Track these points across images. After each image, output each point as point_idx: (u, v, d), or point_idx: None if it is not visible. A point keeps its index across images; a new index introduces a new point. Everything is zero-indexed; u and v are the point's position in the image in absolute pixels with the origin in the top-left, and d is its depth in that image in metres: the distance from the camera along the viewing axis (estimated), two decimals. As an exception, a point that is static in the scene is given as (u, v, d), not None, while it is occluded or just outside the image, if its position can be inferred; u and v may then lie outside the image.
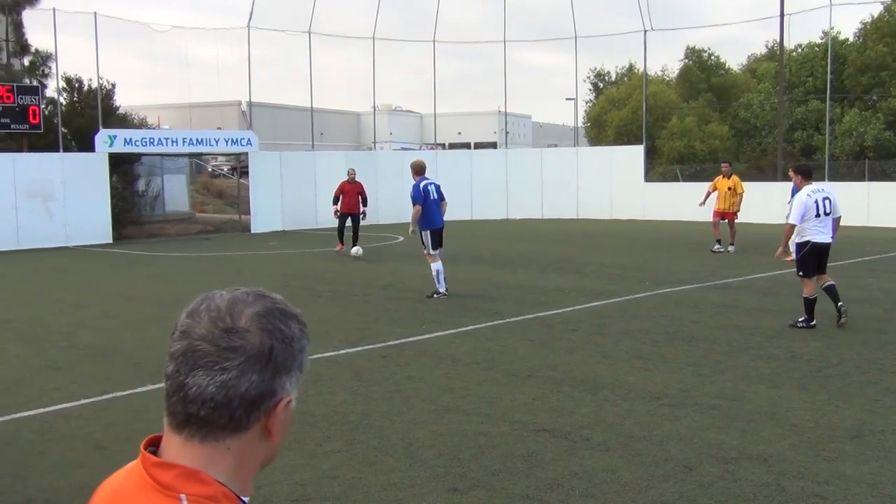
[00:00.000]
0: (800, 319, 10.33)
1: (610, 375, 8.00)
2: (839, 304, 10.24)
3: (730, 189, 20.41)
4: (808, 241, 10.32)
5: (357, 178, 21.09)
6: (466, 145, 63.67)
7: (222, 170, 45.74)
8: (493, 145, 65.04)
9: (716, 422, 6.48)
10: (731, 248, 19.99)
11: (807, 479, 5.27)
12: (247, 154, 30.90)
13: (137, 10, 71.15)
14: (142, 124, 34.58)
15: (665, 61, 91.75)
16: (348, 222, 20.65)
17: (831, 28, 41.36)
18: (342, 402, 7.21)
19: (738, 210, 20.44)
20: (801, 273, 10.46)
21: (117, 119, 30.61)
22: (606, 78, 66.58)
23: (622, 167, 35.30)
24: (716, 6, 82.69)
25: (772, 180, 35.26)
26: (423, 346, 9.63)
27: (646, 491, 5.12)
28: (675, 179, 41.30)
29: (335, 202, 20.69)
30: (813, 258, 10.31)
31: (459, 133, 71.50)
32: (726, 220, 20.40)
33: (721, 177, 20.90)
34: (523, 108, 77.54)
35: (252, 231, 30.30)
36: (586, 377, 7.95)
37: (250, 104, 37.81)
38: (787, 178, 31.34)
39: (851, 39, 51.24)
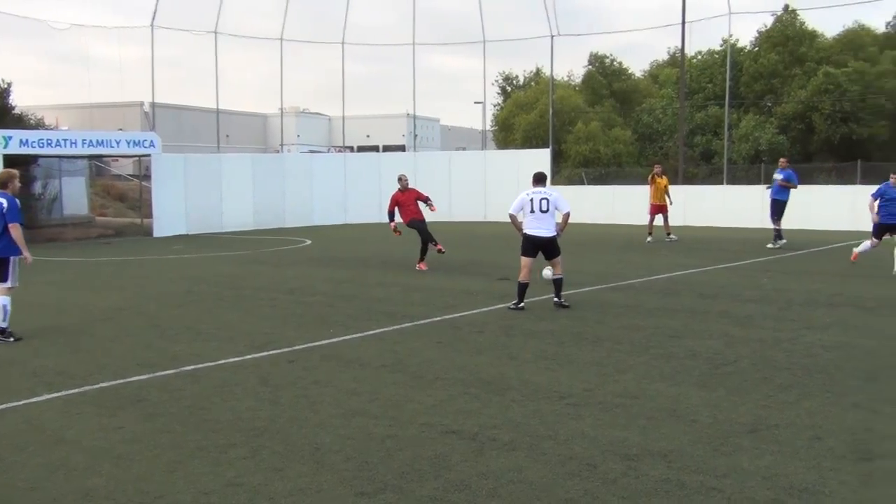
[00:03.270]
0: (512, 303, 12.10)
1: (516, 376, 8.09)
2: (558, 298, 12.23)
3: (665, 186, 24.14)
4: (525, 233, 12.18)
5: (410, 185, 18.18)
6: (375, 148, 63.54)
7: (129, 175, 44.48)
8: (402, 148, 65.05)
9: (619, 420, 6.62)
10: (673, 237, 23.78)
11: (705, 473, 5.42)
12: (150, 156, 30.19)
13: (35, 6, 68.53)
14: (39, 125, 33.44)
15: (571, 66, 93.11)
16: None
17: (730, 36, 42.73)
18: (248, 409, 7.10)
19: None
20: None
21: (13, 120, 29.57)
22: (514, 82, 67.38)
23: (530, 170, 35.56)
24: (620, 13, 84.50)
25: (672, 183, 36.20)
26: (330, 349, 9.57)
27: (551, 489, 5.19)
28: (581, 182, 42.03)
29: (391, 218, 17.78)
30: (529, 245, 12.19)
31: (368, 136, 71.29)
32: (661, 214, 23.94)
33: (655, 175, 24.27)
34: (432, 112, 77.85)
35: (155, 235, 29.64)
36: (493, 378, 8.02)
37: (153, 105, 36.95)
38: (688, 182, 32.24)
39: (748, 47, 52.95)
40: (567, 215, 12.45)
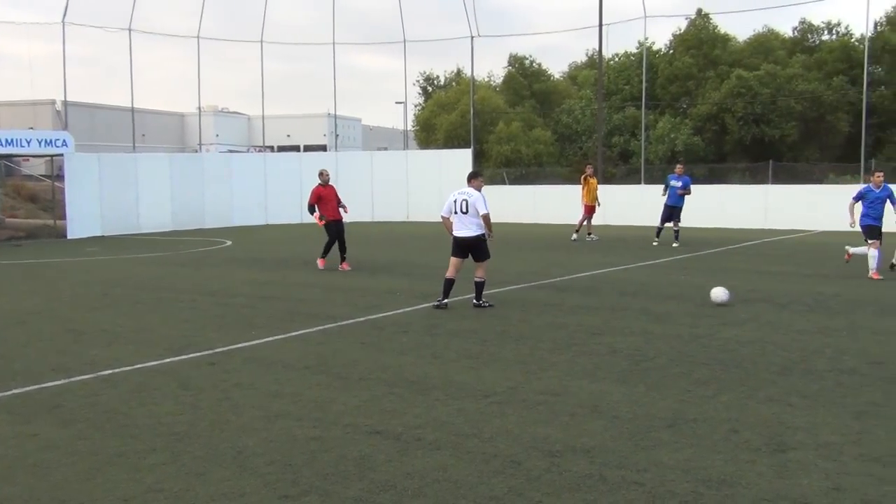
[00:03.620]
0: (437, 300, 12.20)
1: (440, 375, 8.10)
2: (477, 301, 12.22)
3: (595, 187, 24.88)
4: (452, 234, 12.31)
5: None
6: (296, 148, 62.96)
7: (41, 175, 43.13)
8: (324, 148, 64.60)
9: (542, 417, 6.68)
10: (594, 237, 24.66)
11: (627, 468, 5.51)
12: (62, 156, 29.34)
13: (-62, 1, 65.88)
14: (-56, 124, 32.20)
15: (492, 67, 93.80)
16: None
17: (646, 39, 43.57)
18: (167, 413, 6.95)
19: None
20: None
21: (-85, 118, 28.41)
22: (435, 82, 67.45)
23: (451, 170, 35.85)
24: (539, 15, 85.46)
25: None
26: (252, 351, 9.43)
27: (476, 487, 5.21)
28: (502, 182, 42.31)
29: (312, 211, 17.45)
30: (455, 245, 12.27)
31: (289, 135, 70.62)
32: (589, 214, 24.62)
33: (588, 177, 24.90)
34: (353, 111, 77.51)
35: (68, 237, 28.82)
36: (417, 378, 8.02)
37: (66, 103, 35.99)
38: (607, 181, 32.79)
39: (663, 50, 54.06)
40: (485, 216, 12.15)
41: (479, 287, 12.30)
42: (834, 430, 6.25)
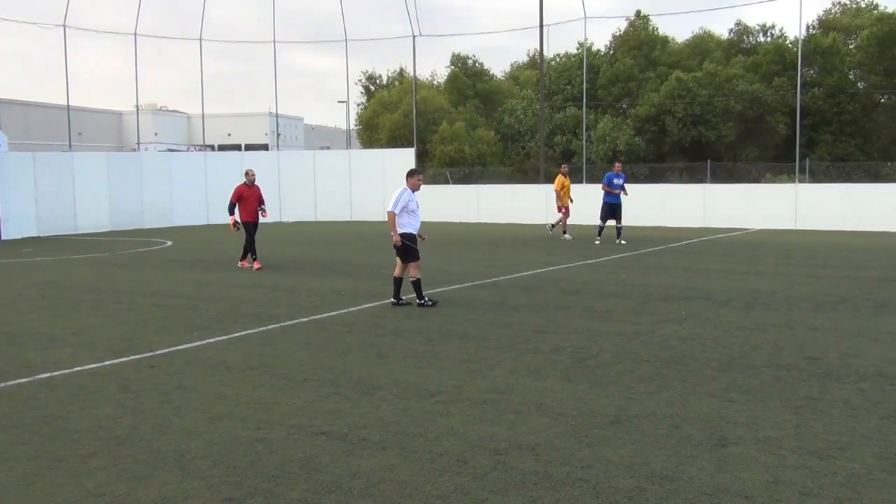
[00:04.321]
0: (417, 299, 12.23)
1: (386, 375, 8.08)
2: (420, 301, 12.19)
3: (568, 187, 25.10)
4: (405, 231, 12.25)
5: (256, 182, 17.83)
6: (237, 147, 62.24)
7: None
8: (265, 147, 64.00)
9: (487, 415, 6.70)
10: (568, 237, 24.61)
11: (571, 464, 5.55)
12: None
13: None
14: None
15: (435, 67, 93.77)
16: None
17: (586, 40, 43.98)
18: (107, 416, 6.82)
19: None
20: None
21: None
22: (378, 81, 67.24)
23: (394, 170, 35.83)
24: (481, 15, 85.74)
25: (534, 182, 37.04)
26: (194, 353, 9.30)
27: (422, 486, 5.21)
28: (446, 182, 42.39)
29: (232, 211, 17.48)
30: (406, 245, 12.24)
31: (229, 134, 69.86)
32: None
33: (562, 176, 25.11)
34: (295, 111, 76.87)
35: (2, 238, 28.12)
36: (363, 378, 7.99)
37: (-2, 101, 35.03)
38: (549, 181, 33.07)
39: (604, 51, 54.63)
40: (389, 214, 12.21)
41: (415, 286, 12.27)
42: (773, 424, 6.37)
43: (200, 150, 49.06)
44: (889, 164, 39.94)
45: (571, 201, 25.21)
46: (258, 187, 17.74)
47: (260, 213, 17.65)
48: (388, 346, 9.51)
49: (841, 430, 6.22)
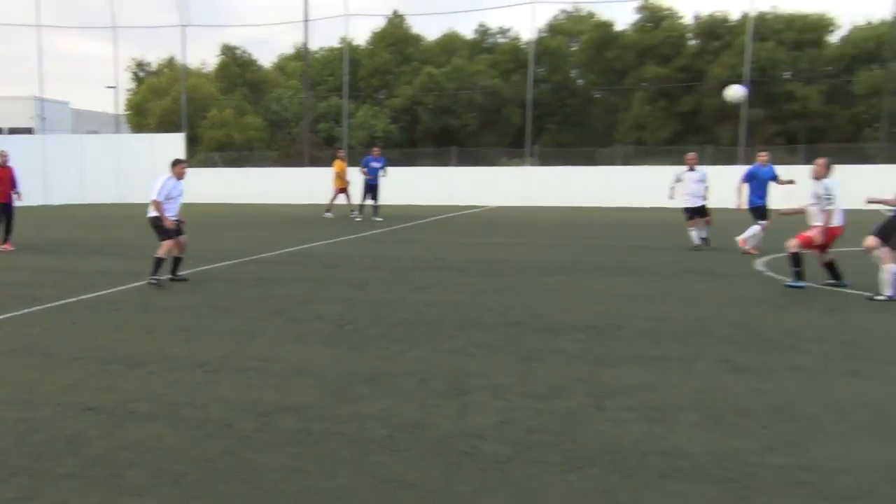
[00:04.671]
0: (151, 275, 11.45)
1: (155, 350, 7.74)
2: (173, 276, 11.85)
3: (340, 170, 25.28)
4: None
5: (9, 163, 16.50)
6: (-1, 130, 56.65)
7: None
8: (29, 131, 58.76)
9: (253, 381, 6.61)
10: (330, 215, 25.09)
11: (331, 421, 5.60)
12: None
13: None
14: None
15: (204, 55, 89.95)
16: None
17: (347, 35, 43.88)
18: None
19: None
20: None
21: None
22: (147, 68, 63.55)
23: (165, 154, 34.22)
24: (250, 7, 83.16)
25: (300, 166, 36.65)
26: (-46, 338, 8.46)
27: (190, 452, 5.07)
28: (216, 165, 41.00)
29: None
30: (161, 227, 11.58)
31: (-10, 118, 63.38)
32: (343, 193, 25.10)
33: (339, 160, 25.41)
34: (61, 95, 71.12)
35: None
36: (132, 354, 7.60)
37: None
38: (313, 164, 32.77)
39: (364, 46, 54.77)
40: (153, 202, 11.65)
41: (155, 263, 11.47)
42: (503, 373, 6.74)
43: (-41, 133, 44.33)
44: (601, 149, 43.07)
45: (348, 183, 25.34)
46: (11, 168, 16.36)
47: (15, 195, 16.30)
48: (156, 322, 9.10)
49: (559, 374, 6.69)
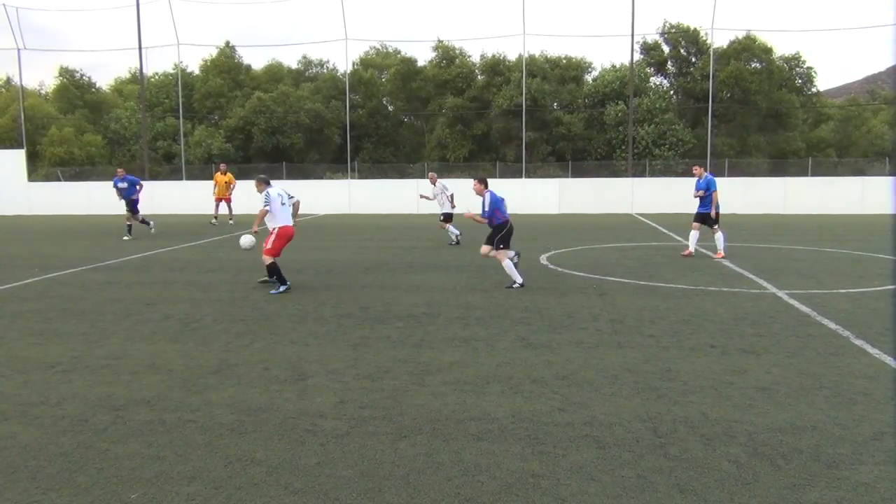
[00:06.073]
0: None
1: (5, 354, 6.98)
2: None
3: (226, 182, 24.08)
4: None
5: None
6: None
7: None
8: None
9: (106, 378, 6.13)
10: (231, 222, 24.13)
11: (182, 410, 5.30)
12: None
13: None
14: None
15: (42, 77, 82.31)
16: None
17: (181, 61, 41.75)
18: None
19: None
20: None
21: None
22: (-18, 88, 57.24)
23: (5, 169, 31.09)
24: (86, 34, 77.07)
25: (142, 178, 34.45)
26: None
27: (46, 447, 4.62)
28: (58, 179, 37.71)
29: None
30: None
31: None
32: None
33: (219, 174, 24.18)
34: None
35: None
36: (-20, 358, 6.83)
37: None
38: (154, 178, 30.96)
39: (197, 71, 52.40)
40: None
41: None
42: (338, 359, 6.66)
43: None
44: (412, 164, 43.61)
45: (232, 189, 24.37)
46: None
47: None
48: (5, 328, 8.21)
49: (384, 358, 6.70)
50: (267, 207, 10.33)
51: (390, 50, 56.17)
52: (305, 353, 6.87)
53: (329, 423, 5.00)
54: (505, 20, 73.33)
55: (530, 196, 30.17)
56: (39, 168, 41.71)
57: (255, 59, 71.80)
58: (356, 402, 5.42)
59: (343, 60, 56.97)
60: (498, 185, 30.89)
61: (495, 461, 4.34)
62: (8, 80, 55.10)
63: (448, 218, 16.79)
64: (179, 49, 34.97)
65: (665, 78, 47.74)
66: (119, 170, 20.01)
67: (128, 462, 4.39)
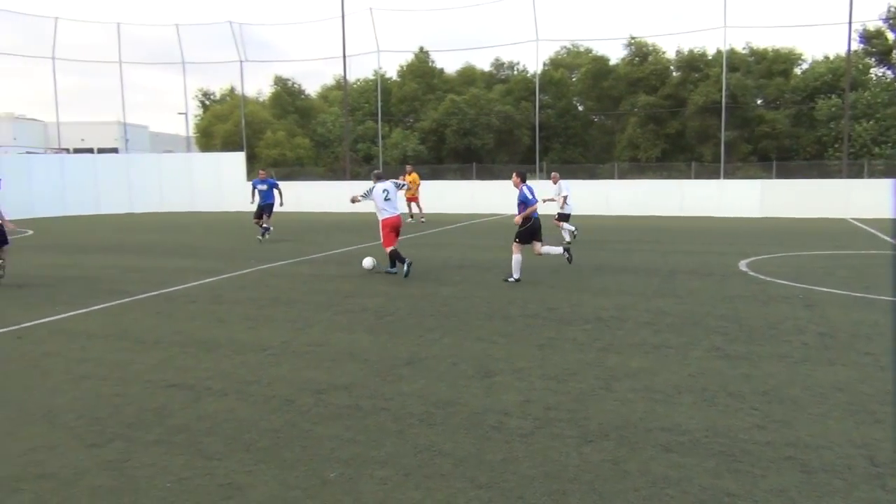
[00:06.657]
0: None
1: (226, 336, 7.78)
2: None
3: (412, 182, 24.66)
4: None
5: None
6: (90, 150, 57.33)
7: None
8: (115, 150, 59.34)
9: (310, 364, 6.61)
10: (423, 220, 24.86)
11: (377, 398, 5.59)
12: None
13: None
14: None
15: (260, 86, 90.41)
16: None
17: (380, 68, 43.92)
18: (-23, 382, 6.14)
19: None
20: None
21: None
22: (211, 97, 63.96)
23: (228, 169, 34.45)
24: (297, 45, 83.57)
25: (342, 179, 36.73)
26: (57, 325, 8.54)
27: (258, 423, 5.08)
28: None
29: None
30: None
31: (83, 139, 64.11)
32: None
33: (407, 174, 24.97)
34: (141, 120, 71.83)
35: None
36: (206, 339, 7.64)
37: None
38: (354, 179, 32.69)
39: (395, 77, 54.95)
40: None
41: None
42: (524, 358, 6.70)
43: (58, 152, 44.91)
44: (601, 165, 42.79)
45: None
46: None
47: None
48: (226, 312, 9.14)
49: (572, 360, 6.63)
50: (362, 199, 11.84)
51: (581, 49, 55.42)
52: (492, 351, 6.98)
53: (514, 421, 5.04)
54: (704, 13, 69.61)
55: (728, 198, 28.50)
56: (256, 169, 45.77)
57: (449, 63, 73.97)
58: (541, 403, 5.42)
59: (534, 61, 57.03)
60: (692, 187, 29.50)
61: (686, 475, 4.15)
62: (232, 90, 61.12)
63: (564, 217, 17.25)
64: (379, 56, 36.82)
65: (889, 69, 43.02)
66: (261, 171, 18.71)
67: (328, 442, 4.70)
